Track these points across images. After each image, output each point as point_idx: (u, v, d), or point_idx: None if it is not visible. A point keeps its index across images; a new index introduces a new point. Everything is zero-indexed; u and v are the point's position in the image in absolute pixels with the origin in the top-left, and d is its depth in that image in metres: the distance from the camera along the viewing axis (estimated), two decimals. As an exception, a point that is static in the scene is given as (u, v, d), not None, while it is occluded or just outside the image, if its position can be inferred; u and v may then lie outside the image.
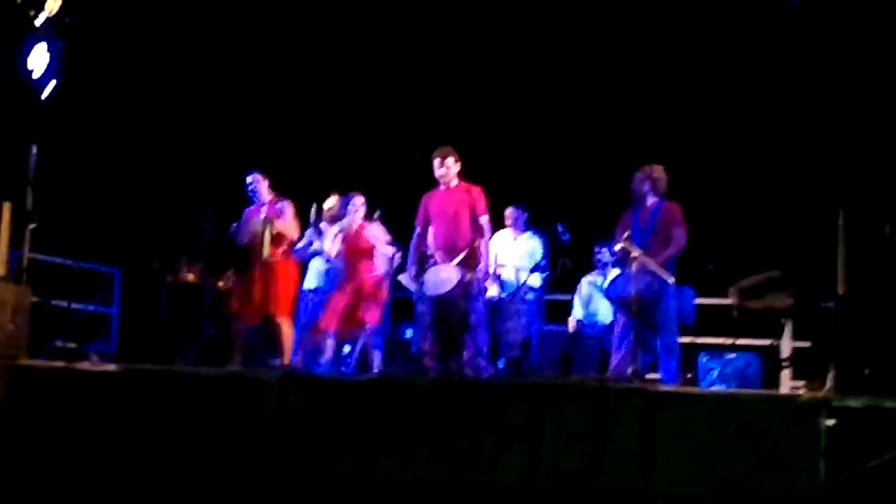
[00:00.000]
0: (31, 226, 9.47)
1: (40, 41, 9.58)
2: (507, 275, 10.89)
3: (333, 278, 10.71)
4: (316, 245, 10.79)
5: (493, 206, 10.05)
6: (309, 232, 10.81)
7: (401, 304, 11.67)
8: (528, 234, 11.07)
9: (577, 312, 11.28)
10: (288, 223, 10.53)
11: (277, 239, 10.46)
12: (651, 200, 9.60)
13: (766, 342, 10.14)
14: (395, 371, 10.21)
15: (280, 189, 10.76)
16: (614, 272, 10.13)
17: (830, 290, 7.65)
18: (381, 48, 13.44)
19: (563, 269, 10.83)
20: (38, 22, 9.56)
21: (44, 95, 9.62)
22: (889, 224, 7.70)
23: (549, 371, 10.36)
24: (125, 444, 7.89)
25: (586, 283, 11.29)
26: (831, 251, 7.66)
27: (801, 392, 8.55)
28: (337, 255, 10.56)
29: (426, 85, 13.35)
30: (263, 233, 10.43)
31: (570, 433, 7.19)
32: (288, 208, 10.58)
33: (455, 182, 9.87)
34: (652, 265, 9.20)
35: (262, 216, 10.52)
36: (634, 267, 9.25)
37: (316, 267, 10.96)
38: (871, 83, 11.33)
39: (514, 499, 7.27)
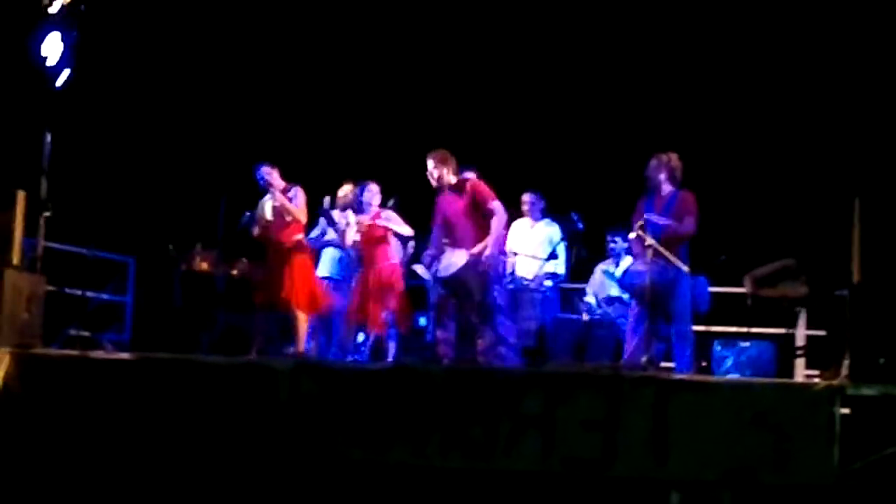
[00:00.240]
0: (46, 214, 9.49)
1: (54, 29, 9.58)
2: (524, 263, 10.86)
3: (346, 266, 10.69)
4: (330, 234, 10.77)
5: (508, 195, 10.00)
6: (322, 220, 10.80)
7: (415, 293, 11.66)
8: (546, 221, 11.03)
9: (590, 300, 11.26)
10: (299, 208, 10.51)
11: (287, 221, 10.44)
12: (667, 189, 9.56)
13: (781, 331, 10.12)
14: (409, 359, 10.19)
15: (293, 177, 10.75)
16: (628, 260, 10.11)
17: (845, 279, 7.64)
18: (395, 37, 13.44)
19: (577, 257, 10.82)
20: (52, 10, 9.57)
21: (58, 84, 9.62)
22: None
23: (564, 359, 10.35)
24: (139, 432, 7.90)
25: (600, 272, 11.26)
26: (846, 240, 7.64)
27: (815, 380, 8.52)
28: (353, 245, 10.52)
29: (441, 73, 13.34)
30: (271, 213, 10.44)
31: (584, 421, 7.19)
32: (300, 194, 10.56)
33: (454, 180, 9.80)
34: (666, 253, 9.17)
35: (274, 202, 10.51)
36: (648, 255, 9.22)
37: (329, 255, 10.96)
38: (887, 72, 11.30)
39: (529, 486, 7.27)
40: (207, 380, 7.98)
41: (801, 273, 9.52)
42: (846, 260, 7.70)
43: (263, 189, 10.61)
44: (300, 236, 10.54)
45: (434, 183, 9.78)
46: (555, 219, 11.00)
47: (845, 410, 6.93)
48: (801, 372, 10.19)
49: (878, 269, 7.47)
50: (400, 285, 10.49)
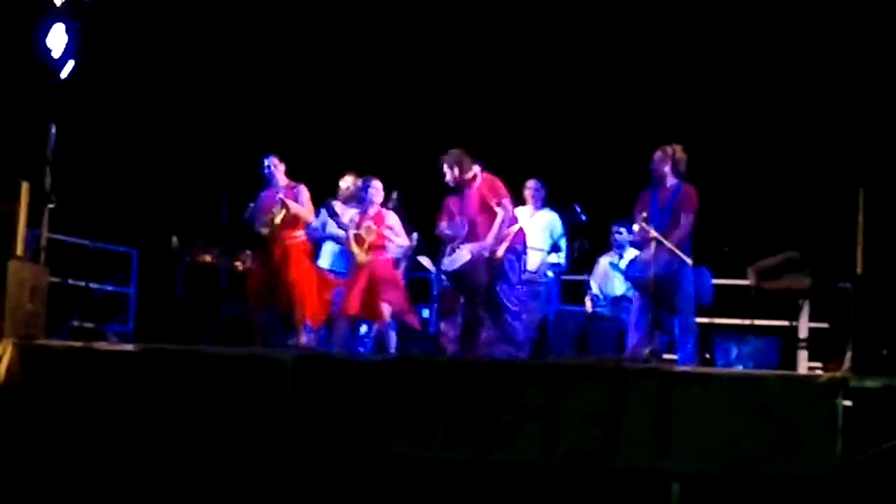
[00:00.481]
0: (50, 206, 9.49)
1: (59, 21, 9.58)
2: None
3: (347, 258, 10.69)
4: (331, 226, 10.76)
5: (510, 185, 10.01)
6: (323, 212, 10.79)
7: (418, 285, 11.67)
8: (545, 210, 10.99)
9: (595, 292, 11.25)
10: (305, 207, 10.51)
11: (292, 221, 10.42)
12: (671, 181, 9.55)
13: (784, 323, 10.11)
14: (412, 351, 10.20)
15: (295, 171, 10.74)
16: (632, 252, 10.11)
17: (848, 271, 7.63)
18: (397, 27, 13.44)
19: (581, 249, 10.82)
20: (57, 1, 9.56)
21: (62, 75, 9.63)
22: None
23: (566, 351, 10.35)
24: (142, 424, 7.91)
25: (603, 263, 11.26)
26: (850, 232, 7.63)
27: (818, 373, 8.53)
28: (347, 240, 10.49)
29: (445, 63, 13.33)
30: (277, 213, 10.40)
31: (586, 413, 7.19)
32: (304, 192, 10.56)
33: (469, 176, 9.82)
34: (670, 246, 9.17)
35: (279, 199, 10.48)
36: (652, 247, 9.23)
37: (329, 247, 10.96)
38: (890, 63, 11.28)
39: (531, 479, 7.27)
40: (211, 371, 7.98)
41: (804, 265, 9.51)
42: (850, 252, 7.68)
43: (265, 179, 10.60)
44: (301, 233, 10.53)
45: (451, 183, 9.83)
46: (557, 210, 10.98)
47: (848, 402, 6.92)
48: (804, 364, 10.18)
49: (881, 261, 7.46)
50: (398, 279, 10.48)
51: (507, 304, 9.59)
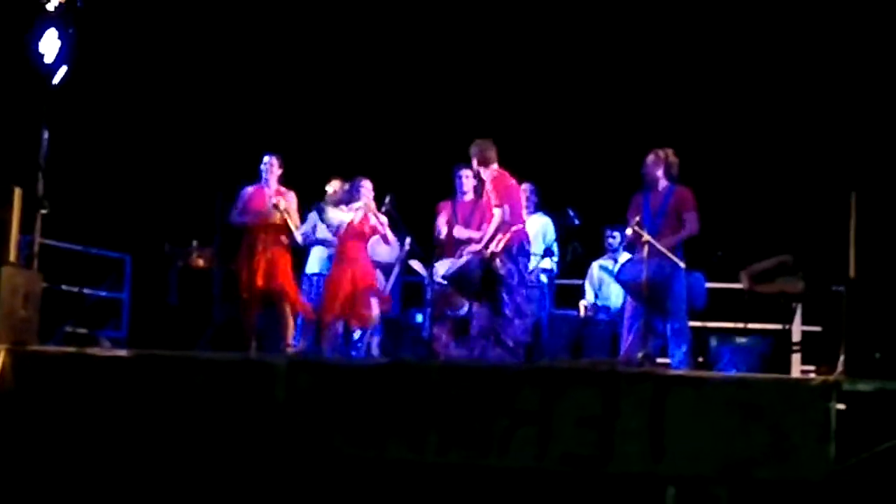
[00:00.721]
0: (42, 211, 9.47)
1: (51, 26, 9.57)
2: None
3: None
4: (320, 230, 10.77)
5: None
6: (311, 216, 10.82)
7: (411, 289, 11.68)
8: (538, 215, 11.00)
9: (589, 297, 11.26)
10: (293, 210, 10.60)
11: (282, 225, 10.50)
12: (663, 184, 9.58)
13: (777, 326, 10.13)
14: (405, 355, 10.21)
15: (288, 174, 10.77)
16: (625, 256, 10.12)
17: (841, 274, 7.63)
18: (389, 30, 13.45)
19: (574, 253, 10.82)
20: (49, 7, 9.56)
21: (55, 81, 9.62)
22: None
23: (560, 356, 10.36)
24: (136, 430, 7.90)
25: (597, 268, 11.27)
26: (842, 235, 7.64)
27: (811, 376, 8.53)
28: (335, 235, 10.51)
29: (437, 70, 13.34)
30: (280, 213, 10.46)
31: (580, 418, 7.18)
32: (293, 200, 10.62)
33: (488, 172, 9.91)
34: (662, 249, 9.18)
35: (271, 200, 10.51)
36: (645, 251, 9.24)
37: (318, 253, 10.97)
38: (882, 66, 11.30)
39: (525, 483, 7.27)
40: (204, 376, 7.96)
41: (797, 269, 9.52)
42: (843, 255, 7.69)
43: (260, 175, 10.63)
44: (284, 238, 10.59)
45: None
46: (550, 214, 10.99)
47: (841, 406, 6.92)
48: (798, 367, 10.20)
49: (874, 264, 7.46)
50: (377, 286, 10.53)
51: (502, 306, 9.61)
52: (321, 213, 10.62)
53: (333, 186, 10.94)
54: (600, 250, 11.30)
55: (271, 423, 7.67)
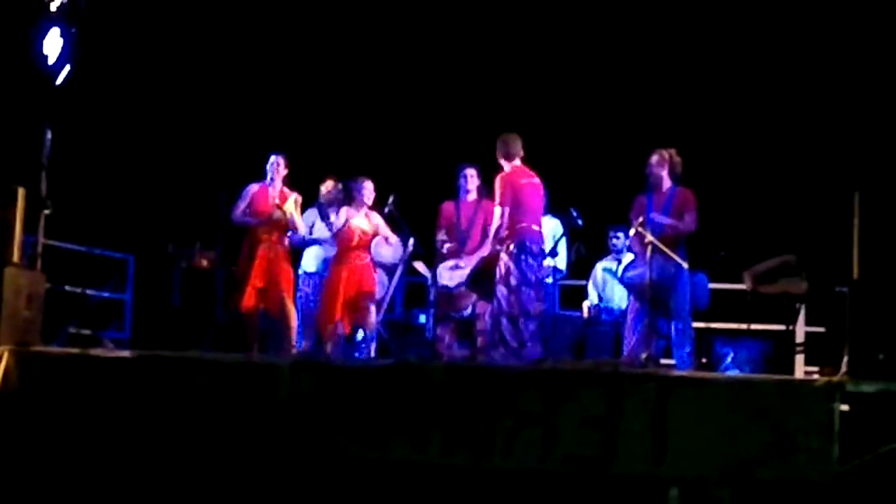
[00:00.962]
0: (46, 211, 9.47)
1: (54, 26, 9.57)
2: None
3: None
4: (318, 229, 10.78)
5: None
6: (310, 214, 10.82)
7: (415, 290, 11.67)
8: (546, 216, 10.98)
9: (592, 298, 11.25)
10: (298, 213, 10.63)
11: (285, 225, 10.51)
12: (667, 185, 9.58)
13: (781, 327, 10.11)
14: (408, 356, 10.20)
15: (291, 173, 10.77)
16: (629, 257, 10.12)
17: (845, 275, 7.62)
18: (390, 32, 13.46)
19: (577, 254, 10.81)
20: (52, 7, 9.56)
21: (58, 81, 9.62)
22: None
23: (564, 357, 10.35)
24: (139, 431, 7.90)
25: (601, 269, 11.26)
26: (846, 235, 7.63)
27: (815, 377, 8.52)
28: (334, 235, 10.51)
29: (438, 71, 13.34)
30: (287, 214, 10.47)
31: (584, 418, 7.18)
32: (298, 200, 10.63)
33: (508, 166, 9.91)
34: (666, 250, 9.18)
35: (275, 202, 10.52)
36: (648, 252, 9.23)
37: (314, 252, 10.97)
38: (885, 66, 11.28)
39: (528, 485, 7.26)
40: (208, 377, 7.96)
41: (800, 269, 9.51)
42: (846, 256, 7.68)
43: (266, 173, 10.64)
44: (285, 238, 10.62)
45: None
46: (555, 214, 10.97)
47: (845, 407, 6.91)
48: (801, 368, 10.20)
49: (878, 265, 7.45)
50: (374, 288, 10.55)
51: (503, 305, 9.61)
52: (322, 211, 10.64)
53: (327, 186, 10.94)
54: (604, 251, 11.28)
55: (275, 424, 7.66)
